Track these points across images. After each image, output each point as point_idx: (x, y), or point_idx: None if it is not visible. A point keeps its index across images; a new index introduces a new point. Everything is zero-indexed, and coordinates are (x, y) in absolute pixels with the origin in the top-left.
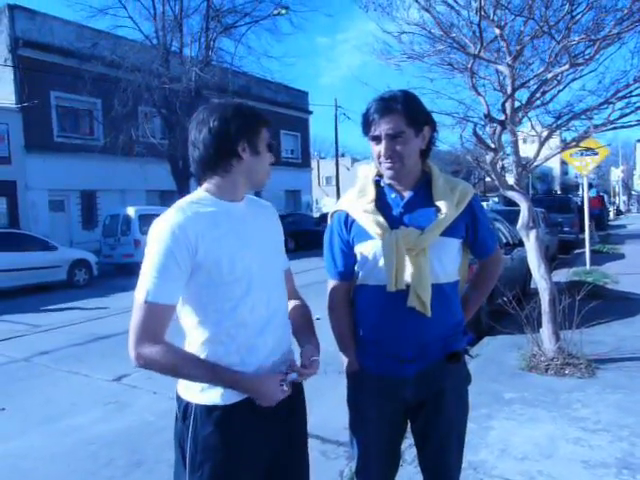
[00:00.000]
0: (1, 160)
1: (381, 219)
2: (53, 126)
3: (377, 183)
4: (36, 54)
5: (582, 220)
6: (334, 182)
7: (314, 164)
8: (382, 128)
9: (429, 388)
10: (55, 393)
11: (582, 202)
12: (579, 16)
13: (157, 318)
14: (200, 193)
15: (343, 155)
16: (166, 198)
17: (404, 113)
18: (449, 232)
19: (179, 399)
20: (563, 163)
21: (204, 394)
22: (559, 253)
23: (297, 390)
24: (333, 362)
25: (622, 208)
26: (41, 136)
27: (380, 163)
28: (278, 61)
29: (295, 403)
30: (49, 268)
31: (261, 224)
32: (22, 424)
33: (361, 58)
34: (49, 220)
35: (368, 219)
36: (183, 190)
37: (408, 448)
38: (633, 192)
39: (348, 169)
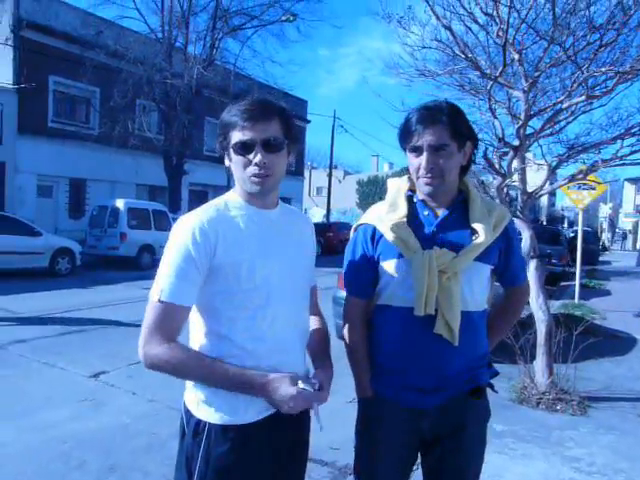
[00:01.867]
0: None
1: (413, 237)
2: (49, 110)
3: (409, 198)
4: (39, 37)
5: (571, 253)
6: (324, 193)
7: (306, 174)
8: (425, 139)
9: (448, 422)
10: (29, 385)
11: (571, 235)
12: (603, 48)
13: (170, 319)
14: (231, 195)
15: (336, 167)
16: (156, 193)
17: (449, 125)
18: (483, 257)
19: (188, 413)
20: (551, 194)
21: (219, 413)
22: (545, 284)
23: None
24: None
25: (607, 245)
26: (35, 119)
27: (418, 178)
28: (282, 67)
29: (299, 418)
30: (32, 254)
31: (292, 235)
32: None
33: (361, 74)
34: (36, 205)
35: (398, 235)
36: (174, 187)
37: None
38: (617, 230)
39: (340, 181)
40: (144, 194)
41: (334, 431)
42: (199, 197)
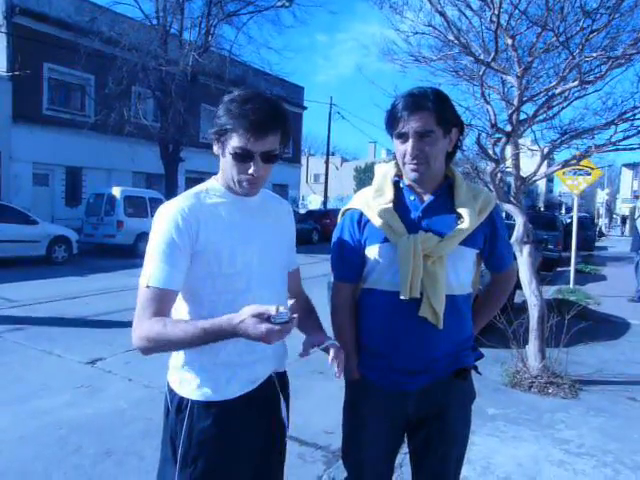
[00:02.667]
0: None
1: (398, 221)
2: (43, 98)
3: (396, 184)
4: (32, 23)
5: (566, 239)
6: (322, 180)
7: (303, 161)
8: (410, 125)
9: (433, 404)
10: (25, 372)
11: (567, 221)
12: (595, 33)
13: (157, 303)
14: (212, 182)
15: (333, 154)
16: (153, 181)
17: (435, 111)
18: (468, 242)
19: (171, 392)
20: (549, 180)
21: (201, 390)
22: (541, 270)
23: (283, 380)
24: (313, 362)
25: (604, 230)
26: (30, 107)
27: (404, 164)
28: (277, 53)
29: (278, 398)
30: (28, 242)
31: (271, 221)
32: None
33: (358, 60)
34: (32, 194)
35: (384, 220)
36: (171, 174)
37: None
38: (614, 215)
39: (337, 168)
40: (141, 182)
41: (328, 415)
42: (196, 184)
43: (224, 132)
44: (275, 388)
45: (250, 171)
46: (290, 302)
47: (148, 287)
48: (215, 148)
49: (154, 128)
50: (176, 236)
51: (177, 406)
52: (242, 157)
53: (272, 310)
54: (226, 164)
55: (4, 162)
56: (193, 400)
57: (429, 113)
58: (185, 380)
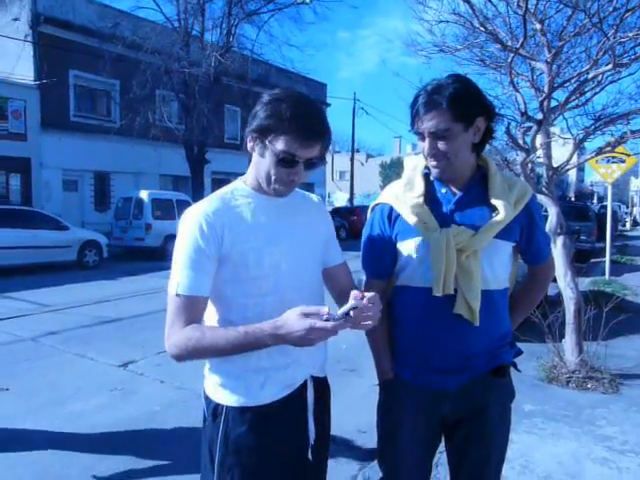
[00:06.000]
0: (17, 137)
1: (430, 215)
2: (70, 105)
3: (426, 176)
4: (57, 31)
5: (600, 229)
6: (347, 177)
7: (328, 158)
8: (425, 126)
9: (471, 403)
10: (60, 376)
11: (601, 211)
12: (630, 12)
13: (189, 310)
14: (238, 183)
15: (358, 150)
16: (179, 183)
17: (449, 108)
18: (503, 234)
19: (207, 399)
20: (579, 170)
21: (235, 395)
22: (575, 261)
23: (323, 386)
24: (345, 360)
25: (639, 219)
26: (58, 114)
27: (426, 159)
28: (299, 51)
29: (322, 400)
30: (59, 247)
31: (301, 219)
32: (26, 407)
33: (382, 54)
34: (62, 199)
35: (415, 214)
36: (197, 176)
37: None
38: None
39: (362, 164)
40: (167, 184)
41: (361, 414)
42: (222, 185)
43: (268, 133)
44: (308, 394)
45: (293, 177)
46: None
47: (178, 295)
48: (250, 146)
49: (179, 130)
50: (202, 242)
51: (213, 412)
52: (287, 162)
53: (322, 311)
54: (264, 165)
55: (35, 169)
56: (228, 406)
57: (443, 111)
58: (219, 386)
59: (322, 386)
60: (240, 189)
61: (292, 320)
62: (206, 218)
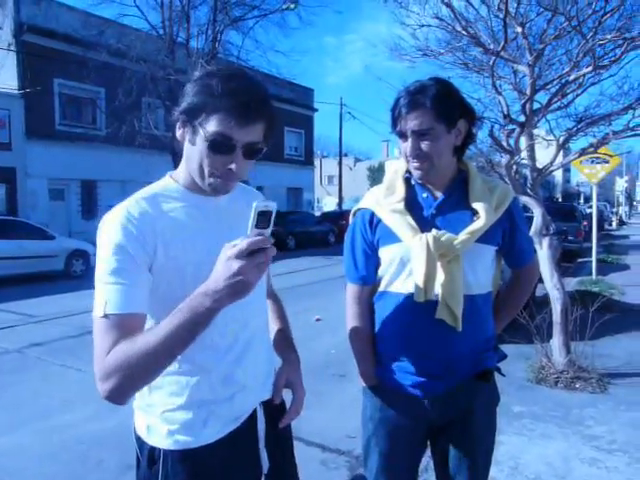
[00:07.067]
0: (1, 146)
1: (411, 220)
2: (55, 114)
3: (407, 180)
4: (40, 40)
5: (587, 229)
6: (336, 181)
7: (317, 163)
8: (408, 125)
9: (456, 408)
10: (47, 387)
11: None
12: (609, 15)
13: (121, 332)
14: (167, 181)
15: (346, 155)
16: None
17: (432, 107)
18: (485, 238)
19: (139, 441)
20: (566, 170)
21: (174, 437)
22: (562, 261)
23: (277, 410)
24: (334, 365)
25: (624, 218)
26: (43, 123)
27: (408, 162)
28: (285, 56)
29: (276, 425)
30: (46, 257)
31: (242, 222)
32: (12, 419)
33: (367, 60)
34: (48, 209)
35: (396, 219)
36: None
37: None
38: (635, 202)
39: (351, 169)
40: None
41: (350, 419)
42: None
43: (198, 113)
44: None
45: (230, 166)
46: (270, 315)
47: (107, 316)
48: (179, 133)
49: (166, 138)
50: (130, 249)
51: (148, 457)
52: (221, 147)
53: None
54: (195, 154)
55: (20, 179)
56: (166, 450)
57: (426, 110)
58: (153, 426)
59: (276, 410)
60: (170, 188)
61: (216, 269)
62: (130, 219)
